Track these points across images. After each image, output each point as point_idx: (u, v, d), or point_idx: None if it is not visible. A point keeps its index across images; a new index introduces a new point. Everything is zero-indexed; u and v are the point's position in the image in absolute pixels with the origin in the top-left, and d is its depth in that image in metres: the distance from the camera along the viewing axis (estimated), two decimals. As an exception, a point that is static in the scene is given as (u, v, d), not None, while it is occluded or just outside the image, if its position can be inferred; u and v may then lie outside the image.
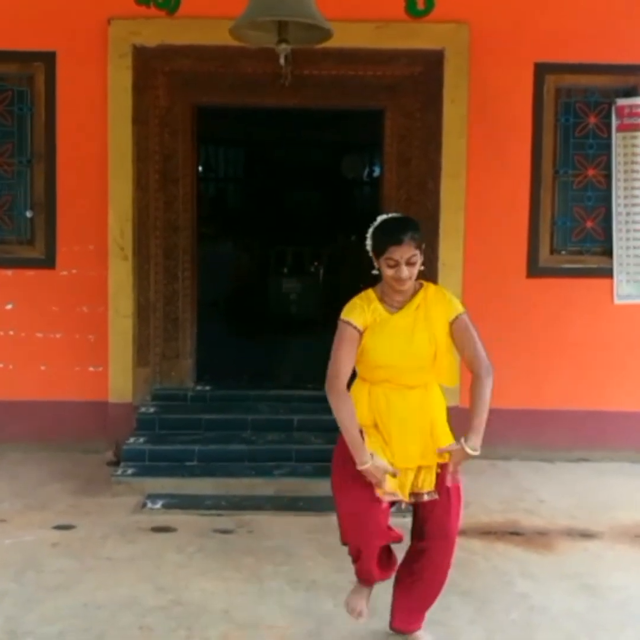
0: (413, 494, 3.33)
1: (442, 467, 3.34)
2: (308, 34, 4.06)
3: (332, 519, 4.14)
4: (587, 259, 6.28)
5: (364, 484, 3.24)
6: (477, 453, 3.27)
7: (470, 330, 3.34)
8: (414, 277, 3.29)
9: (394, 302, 3.35)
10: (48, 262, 6.19)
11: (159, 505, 5.14)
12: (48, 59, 6.04)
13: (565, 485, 5.72)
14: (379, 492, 3.24)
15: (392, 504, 3.38)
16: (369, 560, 3.38)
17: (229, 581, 4.11)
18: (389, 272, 3.27)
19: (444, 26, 5.96)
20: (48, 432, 6.17)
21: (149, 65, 6.09)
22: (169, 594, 3.96)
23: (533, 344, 6.24)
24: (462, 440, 3.28)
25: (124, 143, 6.04)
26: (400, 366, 3.30)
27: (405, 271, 3.23)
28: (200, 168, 7.50)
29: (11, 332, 6.22)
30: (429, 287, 3.39)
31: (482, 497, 5.38)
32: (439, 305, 3.34)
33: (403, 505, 3.49)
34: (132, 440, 5.75)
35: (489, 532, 4.82)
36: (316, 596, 3.97)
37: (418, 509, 3.41)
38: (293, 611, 3.82)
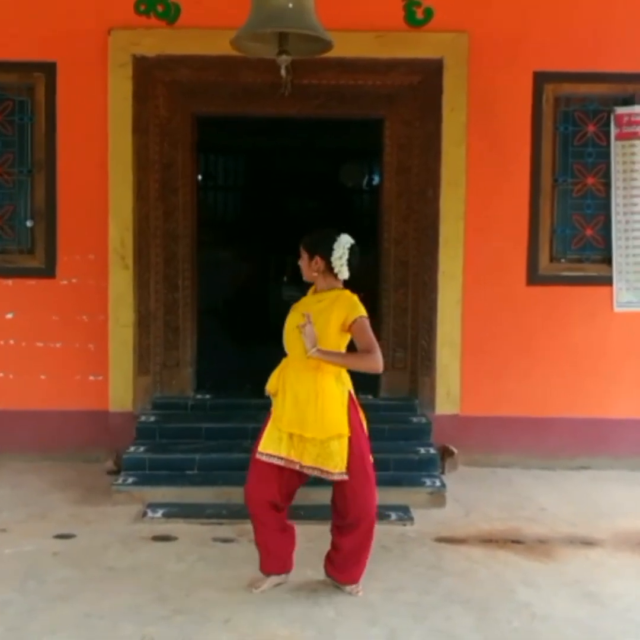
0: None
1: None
2: (309, 45, 4.07)
3: (334, 528, 4.16)
4: (586, 267, 6.30)
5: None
6: (311, 351, 3.85)
7: (366, 332, 3.90)
8: (306, 272, 4.05)
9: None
10: (48, 271, 6.20)
11: (159, 514, 5.14)
12: (48, 69, 6.07)
13: (567, 493, 5.72)
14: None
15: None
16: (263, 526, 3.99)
17: (230, 590, 4.11)
18: None
19: (443, 35, 5.99)
20: (48, 442, 6.17)
21: (149, 75, 6.12)
22: (170, 604, 3.95)
23: (533, 352, 6.24)
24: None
25: (124, 152, 6.06)
26: (291, 347, 4.04)
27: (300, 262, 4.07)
28: (200, 177, 7.51)
29: (11, 342, 6.23)
30: (343, 293, 3.99)
31: (483, 505, 5.40)
32: (342, 309, 3.92)
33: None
34: (132, 449, 5.75)
35: (490, 540, 4.82)
36: (317, 605, 3.97)
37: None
38: (294, 620, 3.82)
